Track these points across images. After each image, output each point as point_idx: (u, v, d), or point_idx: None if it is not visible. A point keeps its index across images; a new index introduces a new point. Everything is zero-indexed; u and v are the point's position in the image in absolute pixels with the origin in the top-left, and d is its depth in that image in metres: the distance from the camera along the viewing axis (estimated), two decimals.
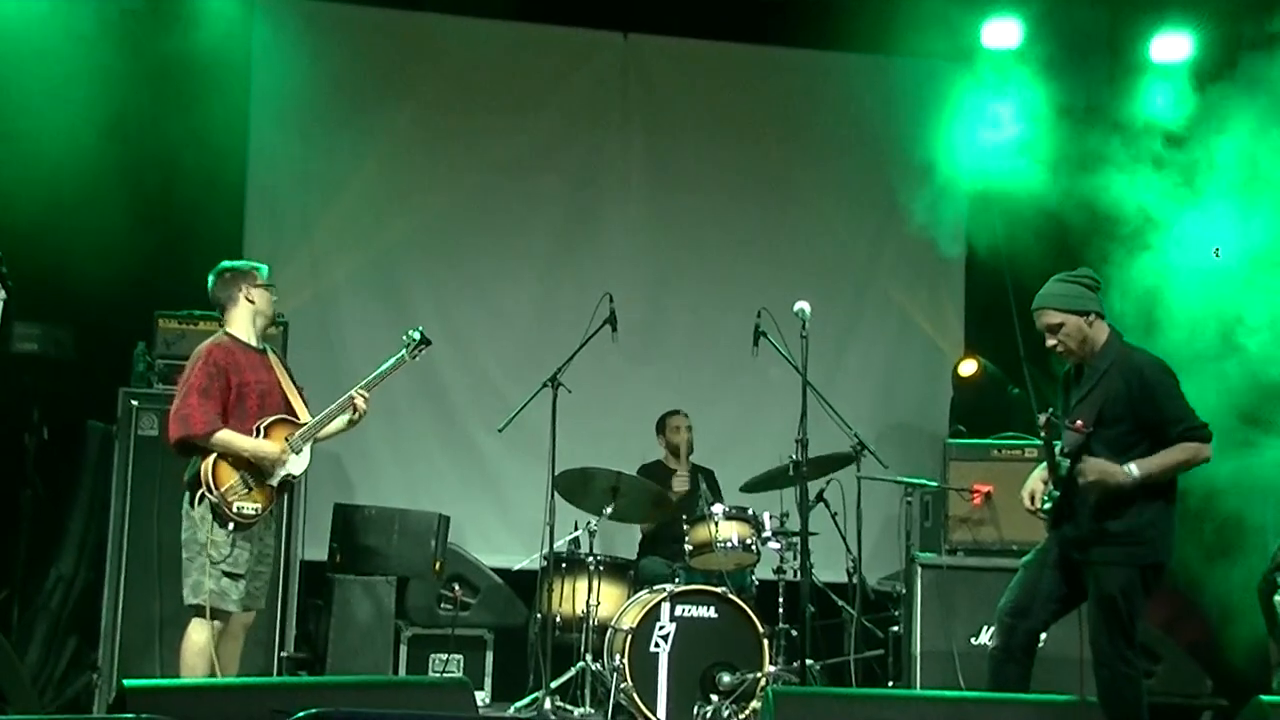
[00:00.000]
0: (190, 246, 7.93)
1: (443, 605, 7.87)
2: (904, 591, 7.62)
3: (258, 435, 6.00)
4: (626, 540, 8.54)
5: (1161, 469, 5.45)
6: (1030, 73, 8.56)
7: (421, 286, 9.06)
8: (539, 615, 7.40)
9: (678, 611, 7.00)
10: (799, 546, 6.97)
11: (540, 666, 7.16)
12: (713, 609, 7.04)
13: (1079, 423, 5.54)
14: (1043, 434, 5.62)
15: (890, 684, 7.63)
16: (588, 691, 7.29)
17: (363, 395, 6.19)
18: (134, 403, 7.21)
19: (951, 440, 8.06)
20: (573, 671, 7.36)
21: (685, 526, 7.55)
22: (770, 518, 7.53)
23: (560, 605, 7.43)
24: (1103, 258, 7.30)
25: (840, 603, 8.01)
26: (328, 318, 8.83)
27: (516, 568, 8.19)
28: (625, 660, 6.87)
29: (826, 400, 7.29)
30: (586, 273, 8.94)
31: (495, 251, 9.17)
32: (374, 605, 7.55)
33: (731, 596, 7.08)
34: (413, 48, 9.11)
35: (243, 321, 6.17)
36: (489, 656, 7.97)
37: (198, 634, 5.92)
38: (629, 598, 7.46)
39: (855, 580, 7.65)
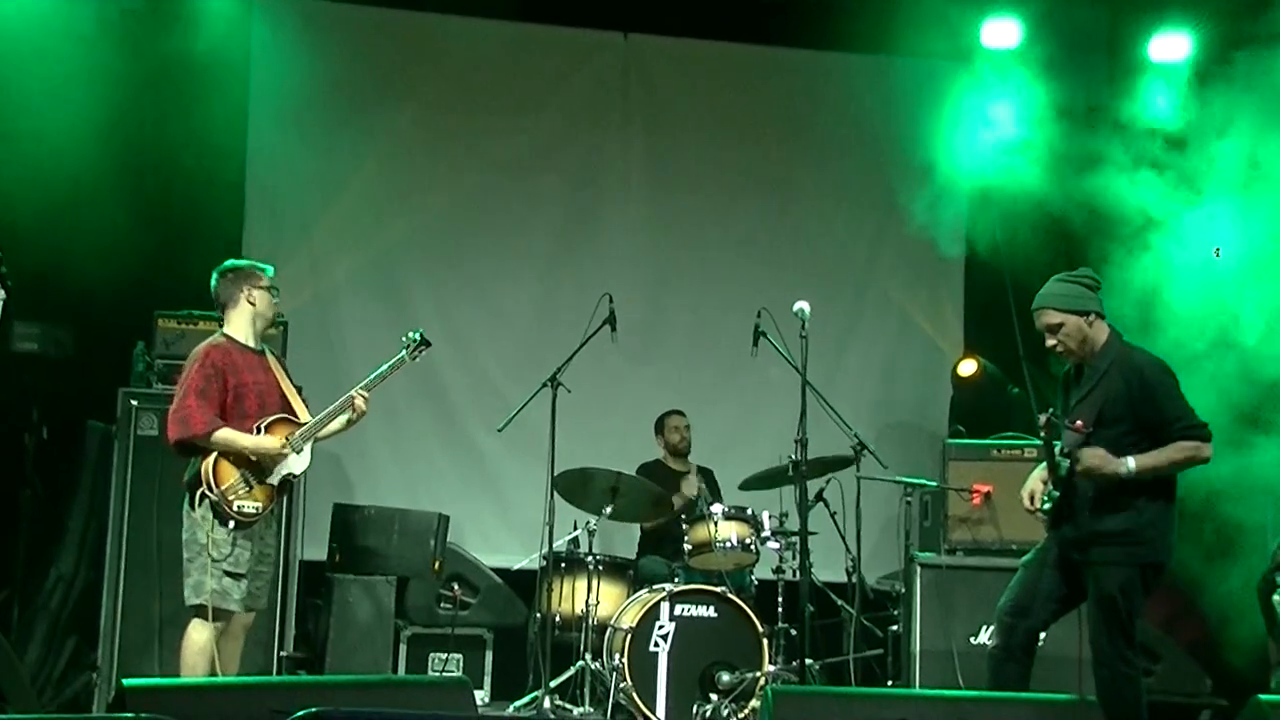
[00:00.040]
0: (190, 246, 7.93)
1: (442, 605, 7.87)
2: (903, 591, 7.62)
3: (258, 434, 5.99)
4: (626, 540, 8.54)
5: (1158, 465, 5.45)
6: (1030, 73, 8.56)
7: (421, 286, 9.06)
8: (538, 615, 7.40)
9: (677, 611, 7.01)
10: (798, 546, 6.97)
11: (540, 666, 7.16)
12: (712, 608, 7.04)
13: (1079, 423, 5.54)
14: (1043, 434, 5.62)
15: (889, 683, 7.63)
16: (587, 691, 7.29)
17: (363, 395, 6.19)
18: (133, 402, 7.21)
19: (951, 440, 8.06)
20: (572, 671, 7.36)
21: (684, 526, 7.56)
22: (769, 517, 7.53)
23: (560, 605, 7.43)
24: (1102, 257, 7.30)
25: (840, 602, 8.01)
26: (327, 318, 8.83)
27: (516, 567, 8.20)
28: (625, 659, 6.87)
29: (826, 400, 7.29)
30: (586, 273, 8.95)
31: (495, 251, 9.18)
32: (373, 605, 7.55)
33: (731, 596, 7.08)
34: (413, 48, 9.11)
35: (241, 322, 6.17)
36: (488, 656, 7.97)
37: (198, 634, 5.92)
38: (628, 597, 7.46)
39: (854, 580, 7.66)
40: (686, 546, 7.51)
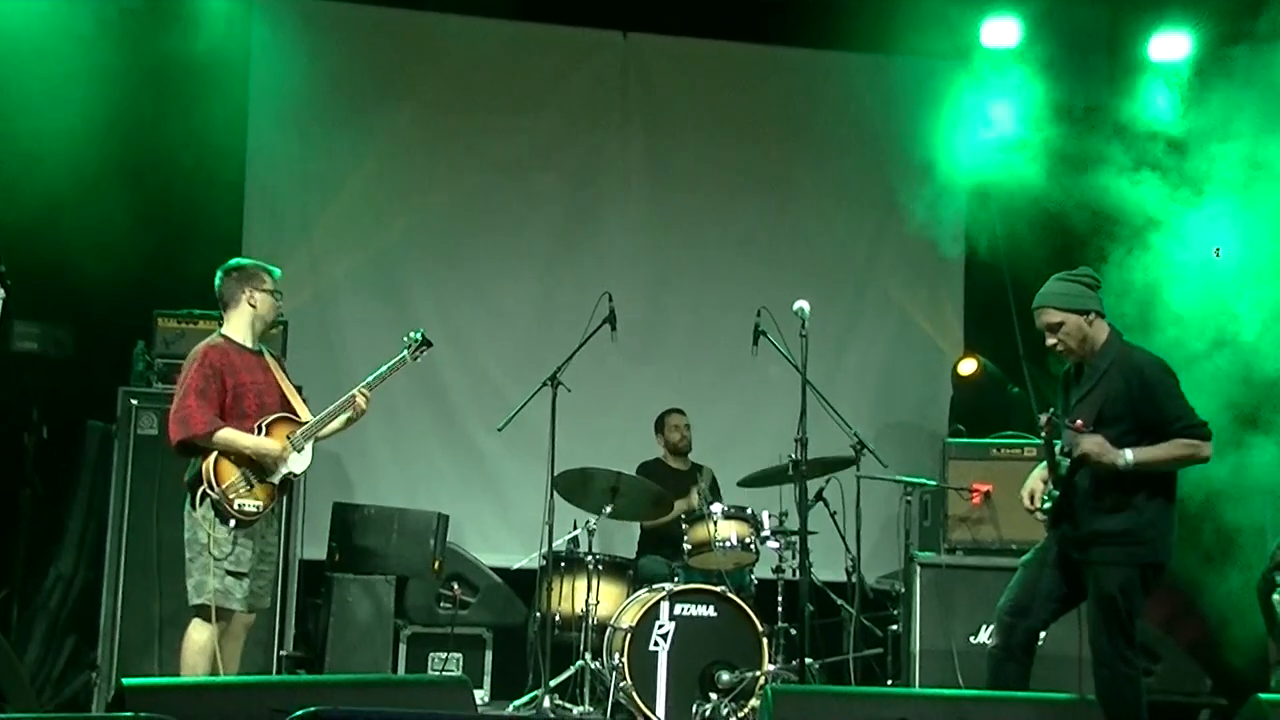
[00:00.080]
0: (189, 246, 7.93)
1: (442, 604, 7.87)
2: (903, 590, 7.62)
3: (259, 433, 6.00)
4: (626, 539, 8.55)
5: (1156, 460, 5.45)
6: (1029, 72, 8.56)
7: (421, 286, 9.06)
8: (538, 614, 7.40)
9: (677, 610, 7.00)
10: (798, 545, 6.97)
11: (539, 665, 7.16)
12: (712, 608, 7.04)
13: (1079, 422, 5.53)
14: (1044, 433, 5.62)
15: (889, 682, 7.63)
16: (587, 690, 7.29)
17: (364, 394, 6.20)
18: (133, 402, 7.20)
19: (951, 439, 8.07)
20: (572, 670, 7.36)
21: (684, 526, 7.56)
22: (769, 517, 7.53)
23: (559, 604, 7.43)
24: (1102, 257, 7.30)
25: (839, 601, 8.01)
26: (327, 317, 8.84)
27: (516, 567, 8.19)
28: (624, 659, 6.87)
29: (826, 399, 7.29)
30: (586, 272, 8.95)
31: (495, 251, 9.18)
32: (373, 604, 7.55)
33: (730, 595, 7.08)
34: (412, 47, 9.11)
35: (240, 323, 6.16)
36: (488, 655, 7.97)
37: (198, 633, 5.92)
38: (628, 597, 7.46)
39: (854, 579, 7.66)
40: (686, 546, 7.51)
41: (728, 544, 7.38)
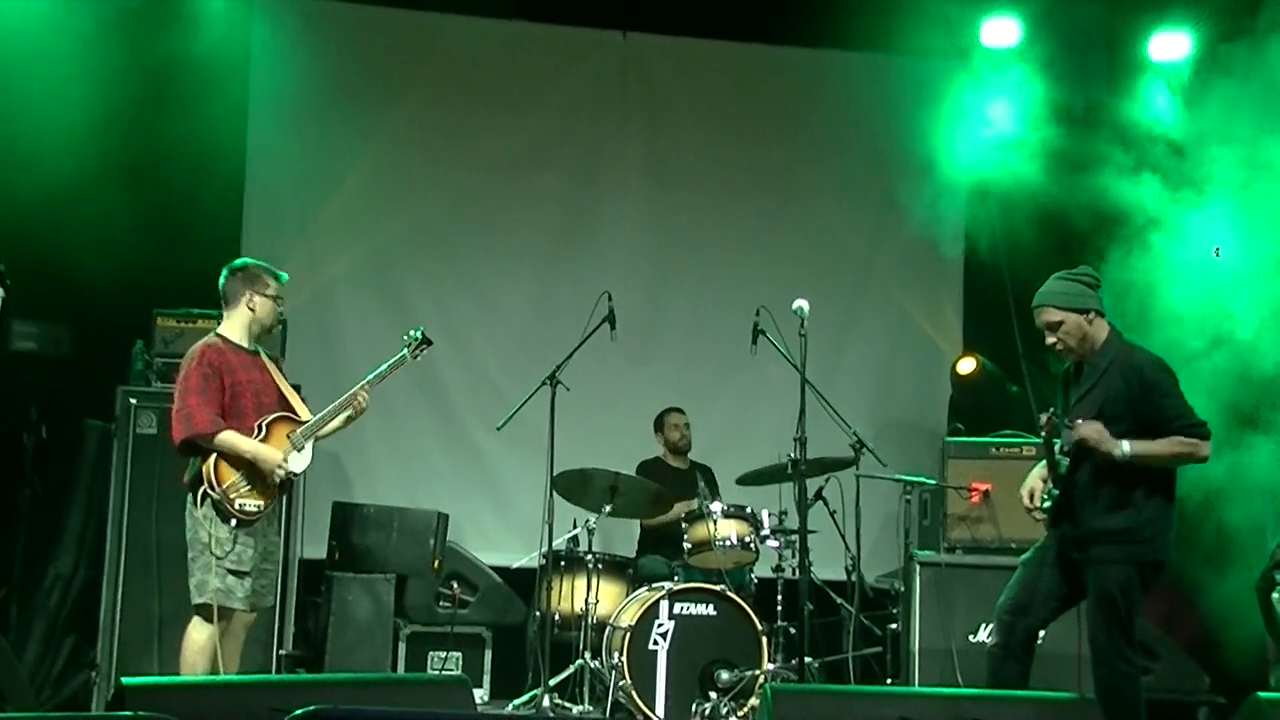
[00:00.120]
0: (188, 245, 7.94)
1: (441, 603, 7.87)
2: (902, 589, 7.62)
3: (259, 432, 6.00)
4: (625, 538, 8.55)
5: (1154, 454, 5.44)
6: (1029, 71, 8.56)
7: (420, 284, 9.06)
8: (538, 613, 7.40)
9: (676, 609, 7.01)
10: (797, 544, 6.97)
11: (539, 664, 7.16)
12: (711, 607, 7.04)
13: (1079, 421, 5.53)
14: (1043, 432, 5.62)
15: (889, 681, 7.63)
16: (586, 689, 7.28)
17: (365, 392, 6.20)
18: (132, 401, 7.20)
19: (950, 438, 8.07)
20: (571, 669, 7.35)
21: (684, 525, 7.56)
22: (769, 516, 7.53)
23: (559, 603, 7.43)
24: (1101, 256, 7.30)
25: (839, 600, 8.01)
26: (326, 316, 8.83)
27: (515, 565, 8.19)
28: (624, 658, 6.87)
29: (825, 398, 7.29)
30: (585, 271, 8.95)
31: (494, 250, 9.18)
32: (373, 603, 7.55)
33: (730, 594, 7.08)
34: (411, 46, 9.11)
35: (238, 324, 6.16)
36: (488, 654, 7.97)
37: (198, 632, 5.92)
38: (628, 595, 7.46)
39: (854, 578, 7.65)
40: (686, 545, 7.51)
41: (727, 543, 7.38)
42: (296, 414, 6.14)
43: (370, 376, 6.25)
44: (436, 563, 7.70)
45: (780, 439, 7.23)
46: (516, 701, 7.33)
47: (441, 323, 8.55)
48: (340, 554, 7.68)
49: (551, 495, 7.17)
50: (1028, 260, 7.98)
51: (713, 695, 6.87)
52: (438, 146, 9.11)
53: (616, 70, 9.36)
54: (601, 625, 7.27)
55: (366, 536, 7.69)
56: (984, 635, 7.13)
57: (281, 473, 5.97)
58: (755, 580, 7.85)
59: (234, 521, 5.91)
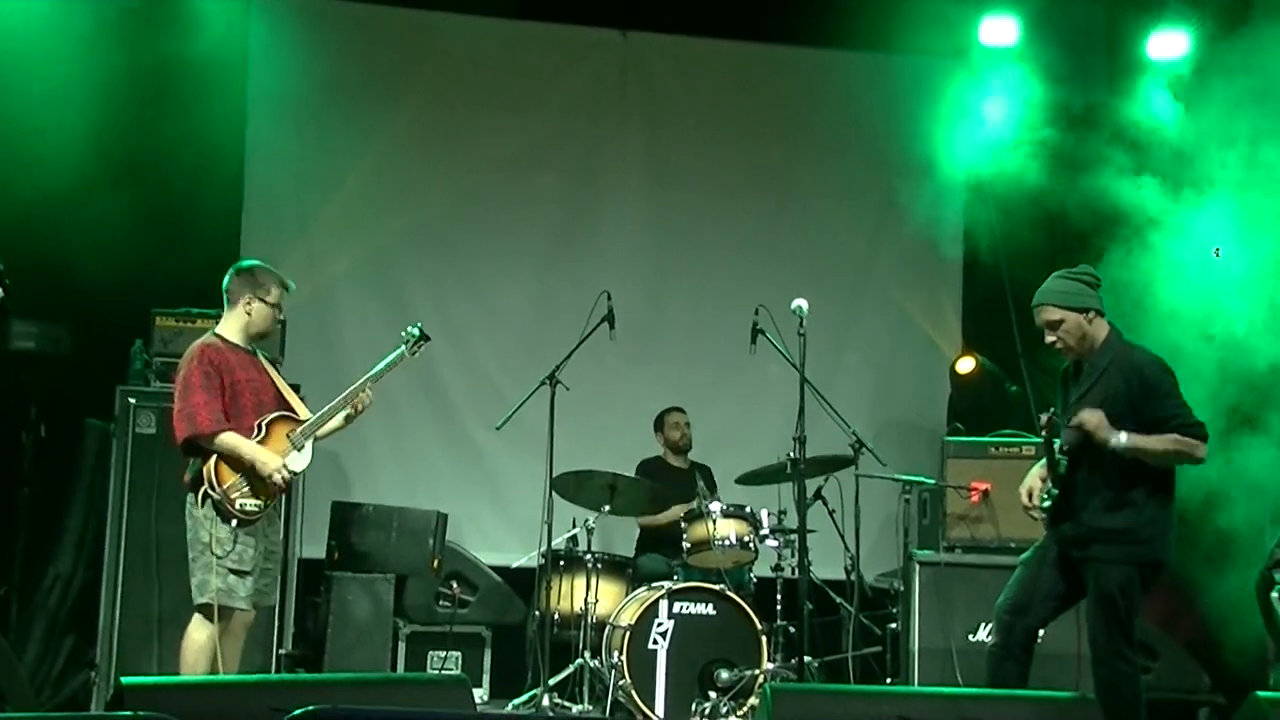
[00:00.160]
0: (188, 245, 7.94)
1: (441, 603, 7.87)
2: (902, 589, 7.62)
3: (259, 431, 5.99)
4: (625, 537, 8.55)
5: (1150, 449, 5.43)
6: (1028, 71, 8.56)
7: (419, 284, 9.06)
8: (537, 612, 7.40)
9: (676, 609, 7.01)
10: (797, 544, 6.97)
11: (538, 664, 7.17)
12: (711, 606, 7.04)
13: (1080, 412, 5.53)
14: (1043, 432, 5.62)
15: (888, 681, 7.63)
16: (586, 689, 7.29)
17: (368, 390, 6.20)
18: (131, 400, 7.20)
19: (949, 438, 8.07)
20: (571, 669, 7.36)
21: (683, 524, 7.56)
22: (768, 515, 7.54)
23: (558, 602, 7.43)
24: (1100, 256, 7.30)
25: (838, 600, 8.01)
26: (325, 315, 8.83)
27: (515, 565, 8.20)
28: (623, 657, 6.87)
29: (825, 398, 7.29)
30: (585, 270, 8.94)
31: (493, 249, 9.18)
32: (372, 603, 7.54)
33: (730, 594, 7.08)
34: (411, 45, 9.11)
35: (234, 324, 6.15)
36: (487, 654, 7.97)
37: (198, 632, 5.91)
38: (627, 595, 7.46)
39: (853, 577, 7.66)
40: (685, 544, 7.51)
41: (727, 542, 7.37)
42: (295, 413, 6.14)
43: (369, 374, 6.24)
44: (436, 562, 7.70)
45: (780, 439, 7.23)
46: (516, 701, 7.33)
47: (441, 323, 8.54)
48: (340, 554, 7.68)
49: (551, 495, 7.17)
50: (1027, 260, 7.98)
51: (712, 695, 6.87)
52: (438, 146, 9.11)
53: (616, 70, 9.36)
54: (601, 625, 7.28)
55: (366, 536, 7.69)
56: (983, 635, 7.13)
57: (281, 476, 5.97)
58: (755, 580, 7.85)
59: (234, 521, 5.91)
